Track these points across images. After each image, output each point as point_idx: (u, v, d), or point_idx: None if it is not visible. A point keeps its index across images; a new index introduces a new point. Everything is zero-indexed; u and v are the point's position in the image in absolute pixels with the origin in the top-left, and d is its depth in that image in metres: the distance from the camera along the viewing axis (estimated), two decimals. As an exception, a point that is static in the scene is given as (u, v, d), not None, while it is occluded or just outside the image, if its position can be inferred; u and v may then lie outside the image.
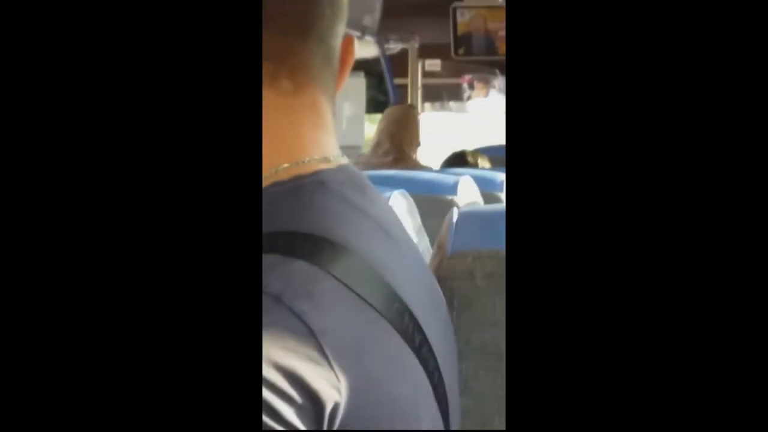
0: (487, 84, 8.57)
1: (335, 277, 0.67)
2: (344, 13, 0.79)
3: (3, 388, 0.58)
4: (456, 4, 4.77)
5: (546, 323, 0.61)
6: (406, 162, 3.21)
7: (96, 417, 0.58)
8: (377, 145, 3.29)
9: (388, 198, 1.54)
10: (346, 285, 0.67)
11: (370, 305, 0.68)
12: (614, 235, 0.62)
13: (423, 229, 1.64)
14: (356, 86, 5.36)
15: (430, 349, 0.72)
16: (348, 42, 0.81)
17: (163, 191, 0.61)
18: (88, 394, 0.58)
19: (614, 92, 0.63)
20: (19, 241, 0.59)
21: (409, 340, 0.70)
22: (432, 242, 1.59)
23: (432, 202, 1.97)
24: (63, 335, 0.59)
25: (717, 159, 0.61)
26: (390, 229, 0.76)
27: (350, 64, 0.81)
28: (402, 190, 1.61)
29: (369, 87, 5.35)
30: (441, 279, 1.01)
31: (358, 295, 0.67)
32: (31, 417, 0.58)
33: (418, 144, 3.35)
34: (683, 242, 0.61)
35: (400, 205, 1.57)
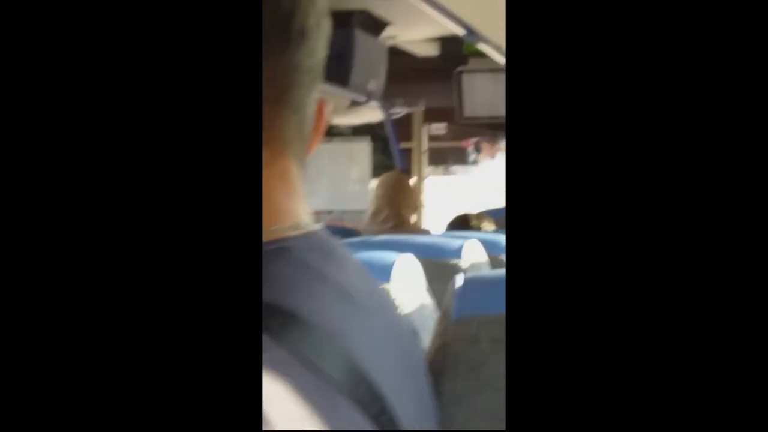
0: (495, 145, 8.61)
1: (283, 345, 0.66)
2: (320, 79, 0.78)
3: (2, 388, 0.58)
4: (461, 68, 4.81)
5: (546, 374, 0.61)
6: (405, 227, 3.21)
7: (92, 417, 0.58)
8: (377, 212, 3.29)
9: (393, 263, 1.54)
10: (294, 353, 0.66)
11: (321, 373, 0.67)
12: (617, 296, 0.61)
13: (428, 293, 1.64)
14: (362, 151, 5.40)
15: (391, 418, 0.71)
16: (321, 106, 0.80)
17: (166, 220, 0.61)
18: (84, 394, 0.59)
19: (612, 151, 0.62)
20: (14, 251, 0.59)
21: (366, 407, 0.69)
22: (436, 306, 1.58)
23: (436, 266, 1.97)
24: (67, 339, 0.59)
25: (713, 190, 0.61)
26: (356, 295, 0.75)
27: (324, 128, 0.81)
28: (407, 254, 1.60)
29: (375, 151, 5.39)
30: (445, 345, 1.00)
31: (308, 362, 0.66)
32: (30, 417, 0.58)
33: (416, 208, 3.35)
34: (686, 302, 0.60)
35: (405, 269, 1.56)
